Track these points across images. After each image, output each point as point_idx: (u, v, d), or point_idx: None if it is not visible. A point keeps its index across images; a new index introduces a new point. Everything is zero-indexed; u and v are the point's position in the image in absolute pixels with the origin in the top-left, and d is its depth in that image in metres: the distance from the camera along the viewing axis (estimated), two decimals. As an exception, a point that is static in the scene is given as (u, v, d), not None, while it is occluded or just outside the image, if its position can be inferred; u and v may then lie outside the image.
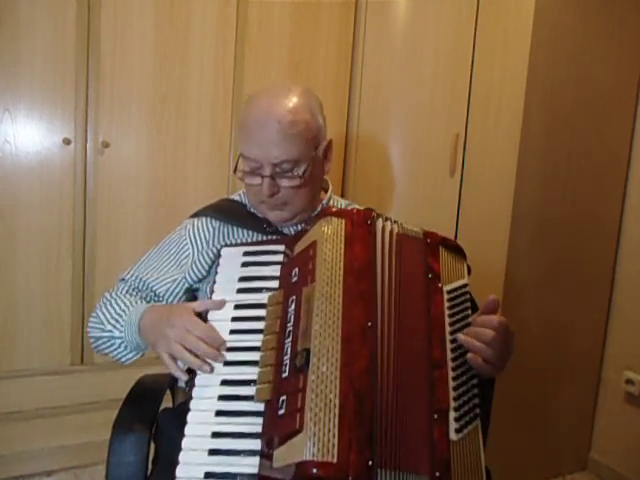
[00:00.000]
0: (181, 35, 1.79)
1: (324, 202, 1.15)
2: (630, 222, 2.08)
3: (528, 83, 1.74)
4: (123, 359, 1.06)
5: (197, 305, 0.94)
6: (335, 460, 0.68)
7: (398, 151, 1.96)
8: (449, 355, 0.86)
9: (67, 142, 1.70)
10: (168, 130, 1.81)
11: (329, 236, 0.87)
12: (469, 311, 0.94)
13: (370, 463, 0.70)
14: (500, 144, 1.83)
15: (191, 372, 0.88)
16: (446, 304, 0.90)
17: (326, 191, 1.18)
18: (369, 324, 0.80)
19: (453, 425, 0.80)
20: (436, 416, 0.80)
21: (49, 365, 1.77)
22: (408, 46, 1.92)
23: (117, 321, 1.02)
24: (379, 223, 0.91)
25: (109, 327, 1.02)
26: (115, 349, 1.04)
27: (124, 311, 1.02)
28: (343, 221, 0.89)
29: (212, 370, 0.86)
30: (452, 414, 0.81)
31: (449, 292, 0.92)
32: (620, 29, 1.93)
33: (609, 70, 1.94)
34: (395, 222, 0.94)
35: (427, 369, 0.83)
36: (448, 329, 0.88)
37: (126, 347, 1.03)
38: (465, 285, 0.96)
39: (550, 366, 2.01)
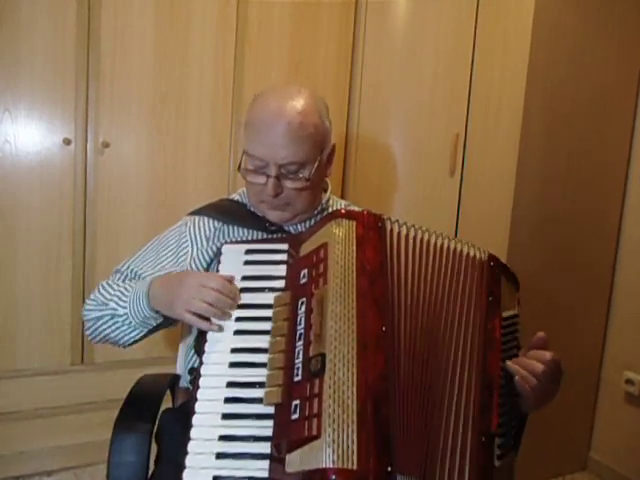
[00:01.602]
0: (181, 35, 1.79)
1: (323, 202, 1.15)
2: (630, 222, 2.08)
3: (528, 83, 1.74)
4: (125, 338, 1.03)
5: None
6: (355, 467, 0.68)
7: (398, 151, 1.96)
8: (501, 381, 0.85)
9: (67, 142, 1.70)
10: (168, 130, 1.81)
11: (341, 238, 0.86)
12: (516, 342, 0.94)
13: (389, 469, 0.70)
14: (500, 144, 1.83)
15: (194, 371, 0.87)
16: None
17: (325, 191, 1.18)
18: (383, 329, 0.80)
19: (496, 451, 0.80)
20: (484, 439, 0.79)
21: (49, 365, 1.77)
22: (408, 46, 1.92)
23: (120, 298, 1.00)
24: (387, 225, 0.90)
25: (111, 305, 1.00)
26: (118, 327, 1.02)
27: (125, 288, 1.01)
28: (354, 223, 0.88)
29: (231, 317, 0.89)
30: (496, 440, 0.81)
31: (503, 319, 0.91)
32: (620, 29, 1.93)
33: (609, 70, 1.93)
34: (470, 244, 0.94)
35: (476, 389, 0.83)
36: (502, 355, 0.87)
37: (130, 324, 1.00)
38: (516, 316, 0.95)
39: (550, 366, 2.01)
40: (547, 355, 0.86)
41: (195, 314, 0.89)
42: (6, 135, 1.64)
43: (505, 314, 0.92)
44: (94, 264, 1.79)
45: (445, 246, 0.92)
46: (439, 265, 0.90)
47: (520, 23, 1.75)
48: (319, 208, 1.13)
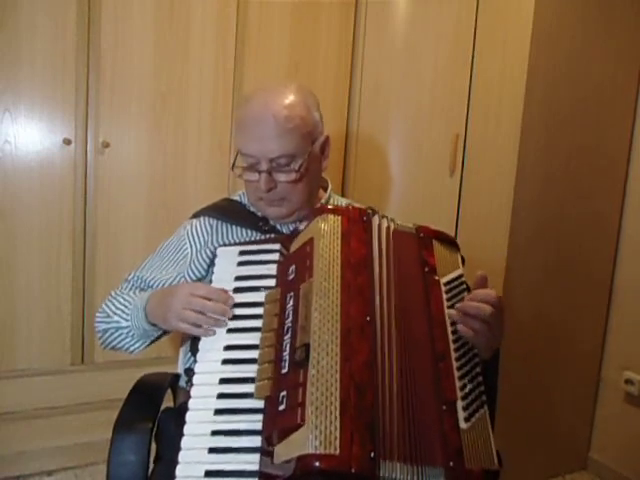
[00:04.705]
0: (181, 35, 1.79)
1: (323, 201, 1.15)
2: (630, 222, 2.08)
3: (528, 83, 1.74)
4: (131, 348, 1.08)
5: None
6: (338, 452, 0.68)
7: (398, 151, 1.96)
8: (452, 346, 0.87)
9: (67, 142, 1.70)
10: (168, 130, 1.82)
11: (326, 232, 0.88)
12: None
13: (372, 454, 0.70)
14: (500, 144, 1.83)
15: (190, 372, 0.88)
16: (444, 296, 0.91)
17: (326, 189, 1.19)
18: (367, 318, 0.81)
19: (462, 414, 0.81)
20: (444, 407, 0.80)
21: (49, 365, 1.78)
22: (408, 46, 1.93)
23: (123, 311, 1.04)
24: (375, 220, 0.92)
25: (115, 318, 1.05)
26: (123, 339, 1.07)
27: (129, 302, 1.05)
28: (339, 218, 0.90)
29: (224, 322, 0.89)
30: (460, 403, 0.82)
31: (446, 284, 0.93)
32: (620, 29, 1.93)
33: (609, 69, 1.93)
34: (391, 220, 0.96)
35: (432, 362, 0.84)
36: (448, 321, 0.89)
37: (133, 336, 1.05)
38: (461, 275, 0.97)
39: (550, 366, 2.01)
40: (490, 292, 0.87)
41: (188, 323, 0.91)
42: (6, 135, 1.64)
43: (447, 278, 0.94)
44: (94, 264, 1.79)
45: (403, 231, 0.95)
46: (404, 251, 0.92)
47: (520, 23, 1.75)
48: (318, 205, 1.14)
